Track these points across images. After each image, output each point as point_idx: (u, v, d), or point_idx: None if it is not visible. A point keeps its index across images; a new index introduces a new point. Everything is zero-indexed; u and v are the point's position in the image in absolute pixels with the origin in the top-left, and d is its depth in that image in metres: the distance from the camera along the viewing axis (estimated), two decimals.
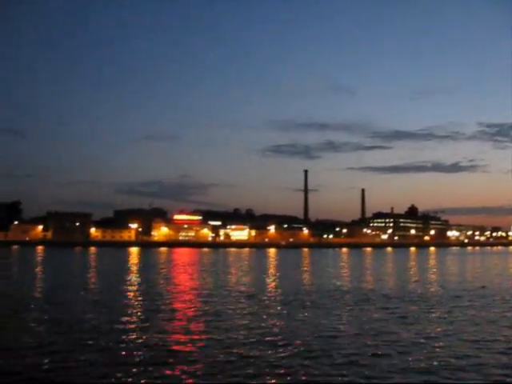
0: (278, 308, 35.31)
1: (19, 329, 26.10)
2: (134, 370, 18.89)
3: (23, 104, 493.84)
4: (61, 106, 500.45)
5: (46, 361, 19.88)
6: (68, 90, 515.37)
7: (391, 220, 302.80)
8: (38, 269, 72.97)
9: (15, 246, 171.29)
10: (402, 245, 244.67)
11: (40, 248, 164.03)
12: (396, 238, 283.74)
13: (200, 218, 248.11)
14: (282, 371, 19.13)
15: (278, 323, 28.97)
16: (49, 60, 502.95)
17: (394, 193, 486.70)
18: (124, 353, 21.34)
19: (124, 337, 24.48)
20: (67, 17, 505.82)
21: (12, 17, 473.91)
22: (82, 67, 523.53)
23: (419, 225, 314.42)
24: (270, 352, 21.89)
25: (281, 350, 22.24)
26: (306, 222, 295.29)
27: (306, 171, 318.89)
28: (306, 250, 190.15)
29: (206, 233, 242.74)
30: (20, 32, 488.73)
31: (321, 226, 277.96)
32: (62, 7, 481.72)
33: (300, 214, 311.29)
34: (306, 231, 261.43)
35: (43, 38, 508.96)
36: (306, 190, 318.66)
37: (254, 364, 19.96)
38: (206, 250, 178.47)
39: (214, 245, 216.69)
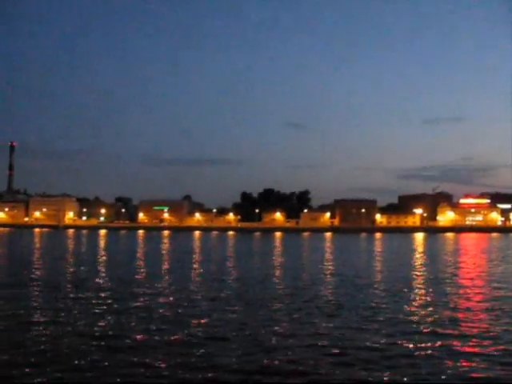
0: None
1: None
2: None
3: (303, 98, 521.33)
4: (336, 96, 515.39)
5: None
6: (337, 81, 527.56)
7: None
8: (334, 254, 73.75)
9: (305, 233, 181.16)
10: None
11: (328, 234, 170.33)
12: None
13: (488, 201, 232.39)
14: None
15: None
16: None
17: None
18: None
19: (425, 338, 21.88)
20: None
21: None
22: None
23: None
24: None
25: None
26: None
27: None
28: None
29: (495, 217, 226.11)
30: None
31: None
32: None
33: None
34: None
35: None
36: None
37: None
38: (495, 235, 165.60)
39: (504, 229, 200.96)
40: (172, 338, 19.36)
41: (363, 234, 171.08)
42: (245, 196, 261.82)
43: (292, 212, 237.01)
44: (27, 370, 15.22)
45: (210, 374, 15.17)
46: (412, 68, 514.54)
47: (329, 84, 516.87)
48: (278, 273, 44.15)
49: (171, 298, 28.31)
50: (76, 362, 16.17)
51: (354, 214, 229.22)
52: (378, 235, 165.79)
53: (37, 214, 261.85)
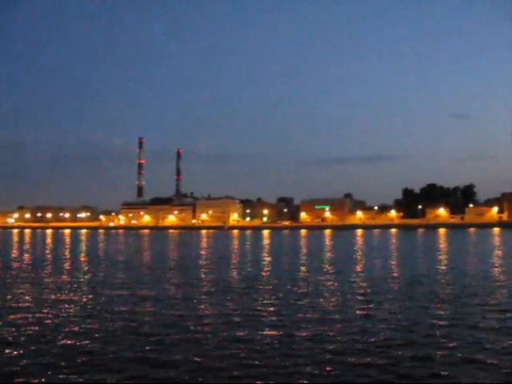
0: None
1: None
2: None
3: (466, 87, 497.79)
4: None
5: None
6: None
7: None
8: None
9: (471, 229, 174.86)
10: None
11: (496, 230, 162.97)
12: None
13: None
14: None
15: None
16: None
17: None
18: None
19: None
20: None
21: None
22: None
23: None
24: None
25: None
26: None
27: None
28: None
29: None
30: None
31: None
32: None
33: None
34: None
35: None
36: None
37: None
38: None
39: None
40: None
41: None
42: (407, 192, 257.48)
43: (456, 207, 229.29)
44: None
45: None
46: None
47: (491, 72, 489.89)
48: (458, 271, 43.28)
49: (353, 297, 29.21)
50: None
51: None
52: None
53: (203, 216, 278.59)
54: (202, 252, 75.97)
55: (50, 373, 15.34)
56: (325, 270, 45.61)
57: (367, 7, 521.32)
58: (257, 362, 16.35)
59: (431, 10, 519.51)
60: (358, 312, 24.51)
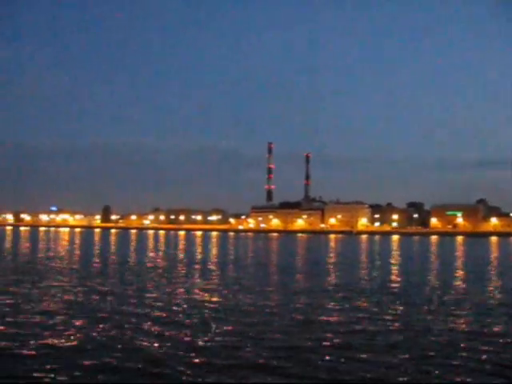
0: None
1: None
2: None
3: None
4: None
5: None
6: None
7: None
8: None
9: None
10: None
11: None
12: None
13: None
14: None
15: None
16: None
17: None
18: None
19: None
20: None
21: None
22: None
23: None
24: None
25: None
26: None
27: None
28: None
29: None
30: None
31: None
32: None
33: None
34: None
35: None
36: None
37: None
38: None
39: None
40: None
41: None
42: None
43: None
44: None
45: None
46: None
47: None
48: None
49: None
50: None
51: None
52: None
53: (332, 220, 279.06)
54: (331, 257, 76.12)
55: None
56: (458, 277, 44.96)
57: None
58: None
59: None
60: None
